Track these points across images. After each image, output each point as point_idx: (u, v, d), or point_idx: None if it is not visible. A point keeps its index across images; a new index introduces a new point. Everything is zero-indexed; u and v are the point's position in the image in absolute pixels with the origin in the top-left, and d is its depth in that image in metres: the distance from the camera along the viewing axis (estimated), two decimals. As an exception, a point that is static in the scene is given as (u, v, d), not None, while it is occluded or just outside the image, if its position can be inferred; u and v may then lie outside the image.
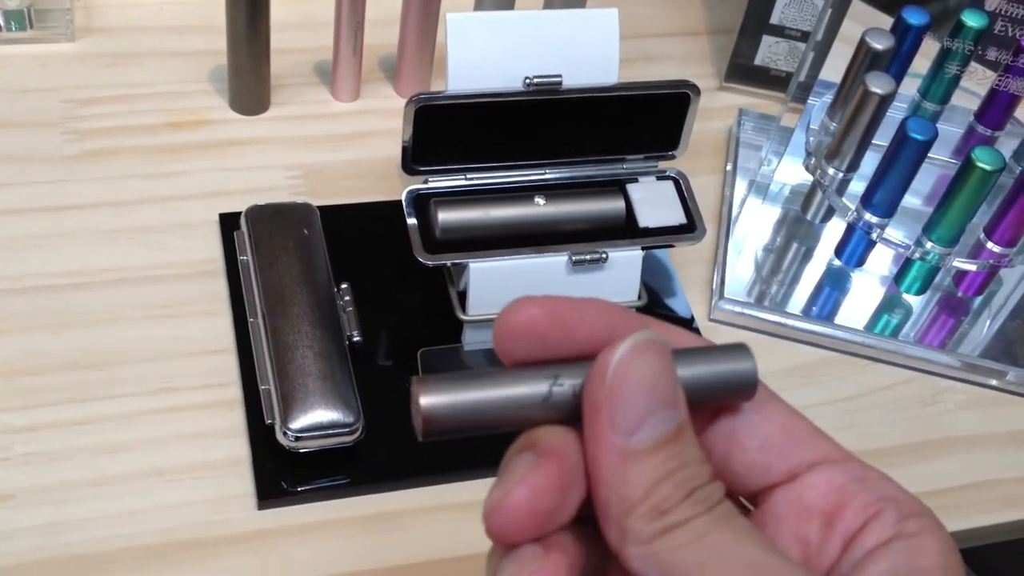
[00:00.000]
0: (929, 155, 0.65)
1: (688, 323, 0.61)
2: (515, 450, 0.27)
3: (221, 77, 0.66)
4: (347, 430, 0.51)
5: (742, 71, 0.73)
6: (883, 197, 0.59)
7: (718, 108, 0.73)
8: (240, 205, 0.58)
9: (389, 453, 0.53)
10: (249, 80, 0.65)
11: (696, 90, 0.57)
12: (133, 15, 0.70)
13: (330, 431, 0.50)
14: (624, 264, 0.56)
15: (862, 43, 0.60)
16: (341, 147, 0.66)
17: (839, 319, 0.62)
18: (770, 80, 0.73)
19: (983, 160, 0.55)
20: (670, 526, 0.24)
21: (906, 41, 0.61)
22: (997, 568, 1.10)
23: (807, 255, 0.66)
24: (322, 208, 0.59)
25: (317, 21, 0.70)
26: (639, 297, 0.58)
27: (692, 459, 0.26)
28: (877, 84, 0.57)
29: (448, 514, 0.52)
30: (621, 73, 0.57)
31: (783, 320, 0.61)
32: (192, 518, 0.50)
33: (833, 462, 0.29)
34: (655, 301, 0.60)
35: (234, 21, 0.62)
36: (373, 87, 0.69)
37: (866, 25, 0.62)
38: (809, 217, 0.65)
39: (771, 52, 0.72)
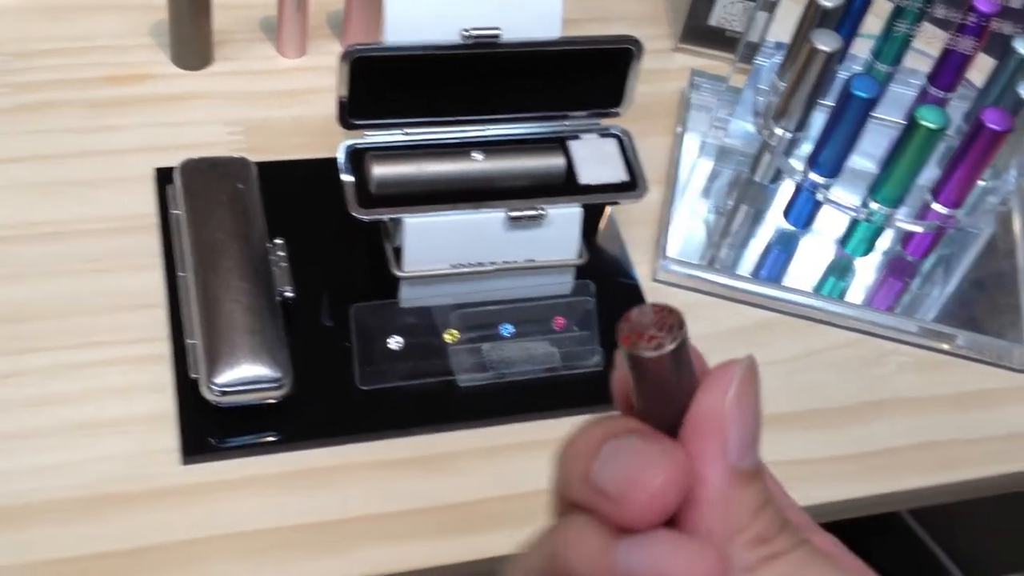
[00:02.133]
0: (881, 117, 0.64)
1: (630, 282, 0.60)
2: (617, 429, 0.25)
3: (163, 31, 0.65)
4: (274, 385, 0.50)
5: (697, 32, 0.72)
6: (828, 156, 0.58)
7: (673, 69, 0.72)
8: (178, 160, 0.57)
9: (320, 409, 0.52)
10: (190, 34, 0.64)
11: (639, 45, 0.56)
12: (76, -32, 0.69)
13: (256, 386, 0.50)
14: (563, 221, 0.55)
15: (811, 1, 0.59)
16: (285, 103, 0.65)
17: (787, 281, 0.62)
18: (725, 41, 0.72)
19: (927, 119, 0.54)
20: (773, 555, 0.24)
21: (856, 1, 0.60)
22: (947, 528, 1.11)
23: (757, 217, 0.65)
24: (262, 164, 0.58)
25: (264, -24, 0.68)
26: (579, 255, 0.57)
27: (774, 493, 0.25)
28: (823, 41, 0.56)
29: (377, 471, 0.51)
30: (573, 31, 0.56)
31: (726, 281, 0.60)
32: (116, 472, 0.49)
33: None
34: (597, 260, 0.59)
35: (174, -27, 0.61)
36: (320, 43, 0.68)
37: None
38: (758, 178, 0.65)
39: (726, 13, 0.71)
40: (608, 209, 0.62)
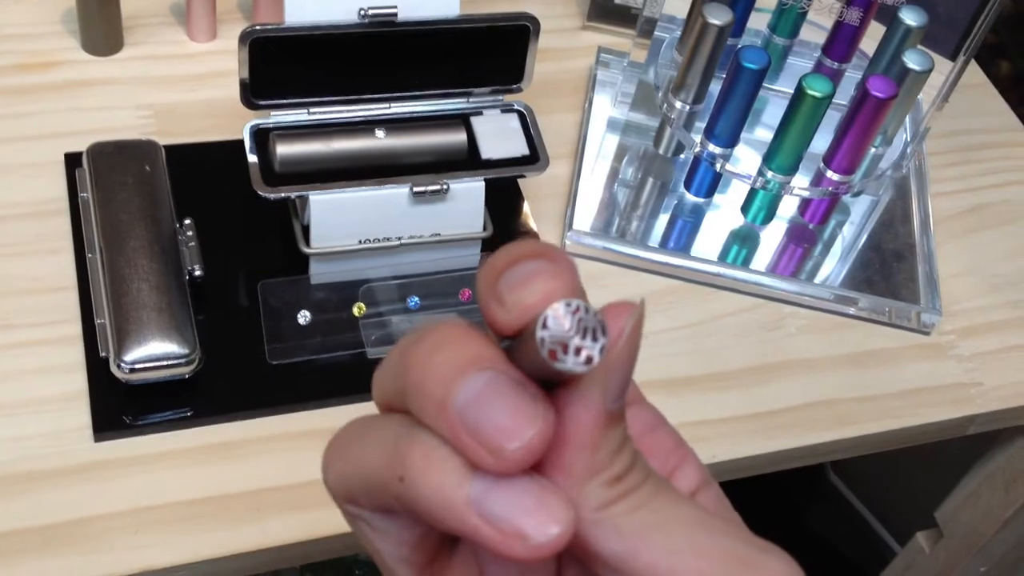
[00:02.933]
0: (778, 88, 0.66)
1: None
2: (484, 360, 0.24)
3: (73, 18, 0.66)
4: (183, 361, 0.51)
5: (604, 10, 0.74)
6: (724, 127, 0.60)
7: (582, 47, 0.74)
8: (87, 144, 0.58)
9: (231, 384, 0.53)
10: (98, 20, 0.64)
11: (536, 23, 0.57)
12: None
13: (164, 362, 0.51)
14: (466, 195, 0.57)
15: (704, -24, 0.61)
16: (195, 87, 0.65)
17: (694, 249, 0.64)
18: (631, 18, 0.73)
19: (813, 87, 0.57)
20: (625, 492, 0.24)
21: (749, -26, 0.62)
22: (870, 488, 1.15)
23: (663, 188, 0.67)
24: (172, 147, 0.59)
25: (173, -38, 0.69)
26: (484, 228, 0.58)
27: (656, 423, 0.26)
28: (715, 15, 0.58)
29: (288, 443, 0.53)
30: (484, 8, 0.57)
31: (632, 251, 0.62)
32: (29, 451, 0.50)
33: (640, 402, 0.30)
34: (504, 232, 0.60)
35: (79, -41, 0.61)
36: (230, 27, 0.69)
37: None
38: (662, 151, 0.66)
39: (630, -10, 0.73)
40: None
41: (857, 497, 1.16)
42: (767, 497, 1.19)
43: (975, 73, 0.77)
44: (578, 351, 0.22)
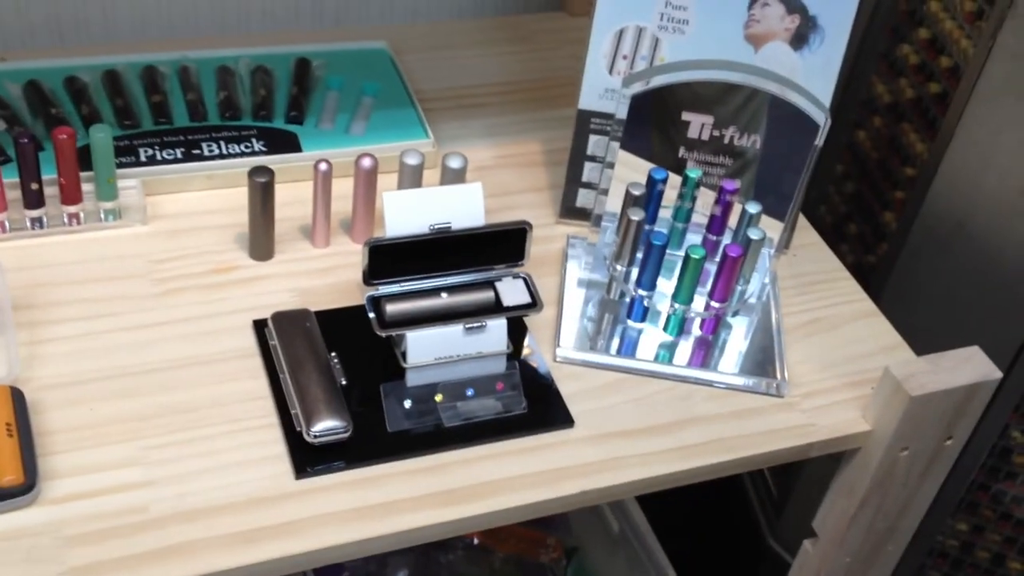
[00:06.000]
0: (679, 253, 1.07)
1: (538, 361, 1.01)
2: None
3: (244, 239, 1.06)
4: (343, 431, 0.89)
5: (570, 211, 1.15)
6: (646, 280, 1.00)
7: (557, 235, 1.15)
8: (264, 314, 0.98)
9: (368, 443, 0.92)
10: (261, 239, 1.05)
11: (529, 225, 0.98)
12: (183, 204, 1.10)
13: (333, 432, 0.89)
14: (495, 328, 0.97)
15: (627, 191, 1.02)
16: (321, 275, 1.06)
17: (637, 353, 1.03)
18: (587, 215, 1.15)
19: (694, 253, 0.97)
20: None
21: (654, 189, 1.04)
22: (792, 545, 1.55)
23: (615, 318, 1.07)
24: (317, 311, 0.99)
25: (301, 200, 1.10)
26: (508, 347, 0.98)
27: None
28: (633, 215, 0.99)
29: (400, 477, 0.90)
30: (496, 215, 0.97)
31: (596, 358, 1.01)
32: (258, 485, 0.87)
33: None
34: (519, 348, 0.99)
35: (253, 205, 1.03)
36: (336, 238, 1.10)
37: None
38: (611, 296, 1.06)
39: (585, 199, 1.14)
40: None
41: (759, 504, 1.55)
42: (714, 563, 1.59)
43: (811, 234, 1.19)
44: None
